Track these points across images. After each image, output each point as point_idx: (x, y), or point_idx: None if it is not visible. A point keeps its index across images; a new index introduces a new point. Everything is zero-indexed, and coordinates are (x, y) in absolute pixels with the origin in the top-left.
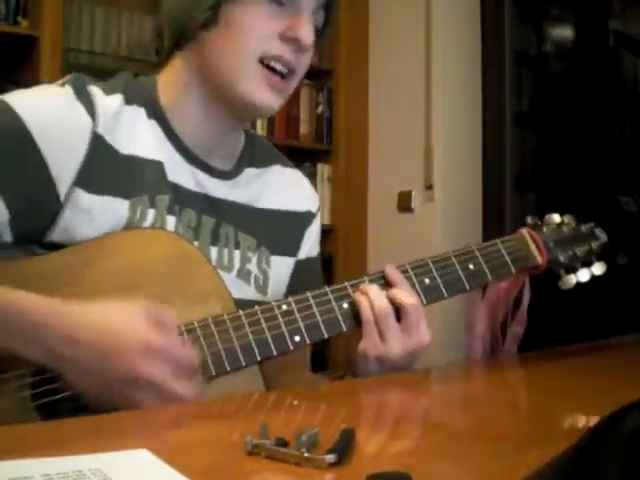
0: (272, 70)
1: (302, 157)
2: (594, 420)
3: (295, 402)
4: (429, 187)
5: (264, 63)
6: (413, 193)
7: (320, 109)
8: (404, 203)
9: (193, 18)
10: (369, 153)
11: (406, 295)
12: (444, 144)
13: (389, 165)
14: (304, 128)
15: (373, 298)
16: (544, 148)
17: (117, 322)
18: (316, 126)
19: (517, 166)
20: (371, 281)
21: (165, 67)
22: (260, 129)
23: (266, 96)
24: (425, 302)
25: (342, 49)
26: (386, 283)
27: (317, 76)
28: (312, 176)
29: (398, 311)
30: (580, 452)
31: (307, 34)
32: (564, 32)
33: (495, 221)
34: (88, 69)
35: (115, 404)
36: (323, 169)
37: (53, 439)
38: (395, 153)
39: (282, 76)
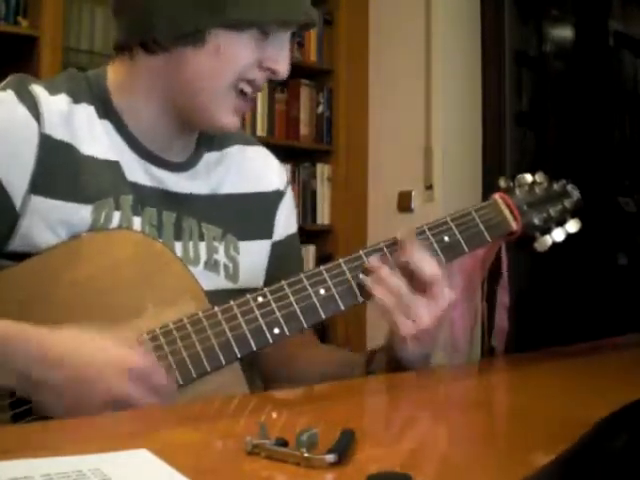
0: (241, 93)
1: (302, 157)
2: (594, 421)
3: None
4: (429, 187)
5: (236, 87)
6: (413, 193)
7: (320, 109)
8: (404, 203)
9: (176, 36)
10: (369, 153)
11: (428, 265)
12: (444, 144)
13: (389, 165)
14: (304, 128)
15: (385, 279)
16: (544, 148)
17: (92, 344)
18: (316, 126)
19: (517, 166)
20: (369, 254)
21: (121, 62)
22: (260, 130)
23: (231, 120)
24: None
25: (342, 49)
26: (389, 252)
27: (317, 76)
28: (312, 176)
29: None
30: (579, 457)
31: (286, 68)
32: (564, 32)
33: None
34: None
35: None
36: (323, 169)
37: (53, 439)
38: (395, 153)
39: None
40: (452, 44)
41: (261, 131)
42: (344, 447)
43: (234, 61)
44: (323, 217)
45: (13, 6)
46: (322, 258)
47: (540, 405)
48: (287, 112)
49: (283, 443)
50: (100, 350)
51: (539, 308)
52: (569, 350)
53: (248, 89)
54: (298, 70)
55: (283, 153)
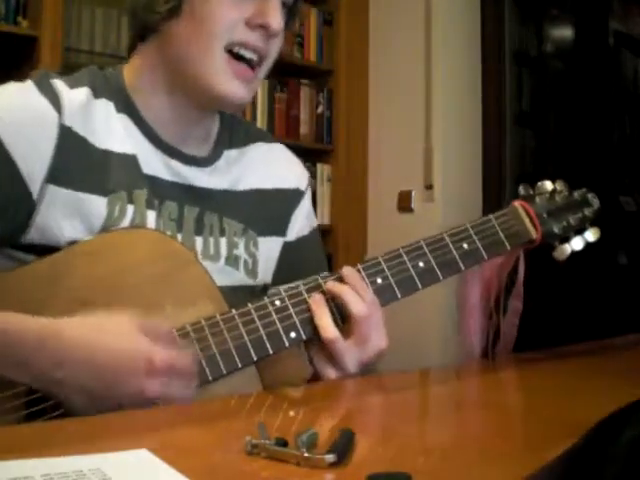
0: (240, 58)
1: (302, 157)
2: (594, 421)
3: (291, 413)
4: (429, 187)
5: (231, 52)
6: (413, 193)
7: (320, 109)
8: (404, 203)
9: (156, 10)
10: (369, 153)
11: (355, 302)
12: (444, 144)
13: (389, 165)
14: (304, 128)
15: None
16: (544, 148)
17: (111, 339)
18: (316, 126)
19: (517, 166)
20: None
21: (132, 60)
22: None
23: (233, 87)
24: (421, 287)
25: (342, 49)
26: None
27: (317, 76)
28: (312, 176)
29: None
30: (580, 457)
31: (275, 19)
32: (564, 32)
33: None
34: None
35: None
36: (323, 169)
37: (53, 439)
38: (395, 153)
39: (251, 65)
40: (452, 44)
41: None
42: (344, 447)
43: (210, 22)
44: (323, 217)
45: (13, 6)
46: None
47: (540, 405)
48: (287, 112)
49: (283, 443)
50: (129, 350)
51: (539, 308)
52: (569, 350)
53: (247, 54)
54: (298, 70)
55: None
